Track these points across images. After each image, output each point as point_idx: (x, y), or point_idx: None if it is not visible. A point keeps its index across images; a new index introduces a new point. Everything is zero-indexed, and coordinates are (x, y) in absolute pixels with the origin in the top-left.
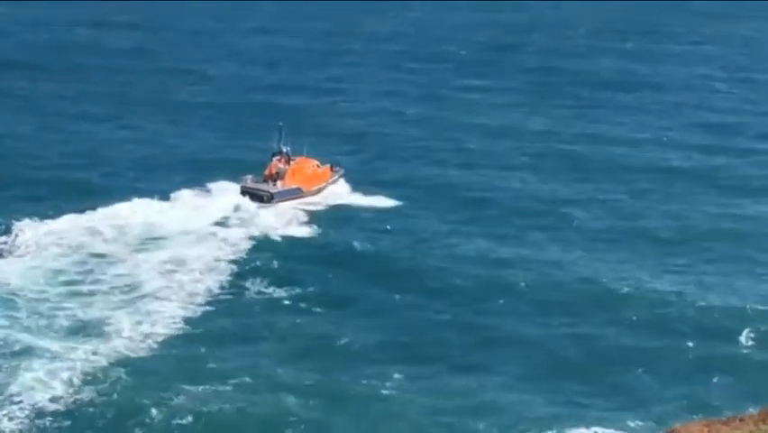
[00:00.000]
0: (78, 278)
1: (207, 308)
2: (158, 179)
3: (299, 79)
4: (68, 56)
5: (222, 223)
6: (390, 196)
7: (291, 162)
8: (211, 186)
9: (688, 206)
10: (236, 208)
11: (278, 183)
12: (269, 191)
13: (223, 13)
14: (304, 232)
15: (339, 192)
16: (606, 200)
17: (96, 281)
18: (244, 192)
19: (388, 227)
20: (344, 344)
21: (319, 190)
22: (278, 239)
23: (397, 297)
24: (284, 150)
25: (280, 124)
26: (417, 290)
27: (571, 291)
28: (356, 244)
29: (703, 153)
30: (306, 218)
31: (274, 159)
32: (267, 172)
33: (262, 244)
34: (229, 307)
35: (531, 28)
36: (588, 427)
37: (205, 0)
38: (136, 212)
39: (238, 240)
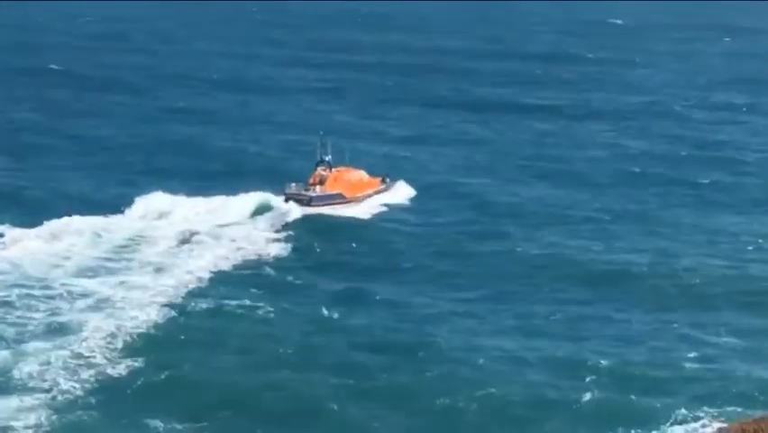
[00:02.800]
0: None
1: (173, 314)
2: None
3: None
4: None
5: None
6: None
7: (333, 170)
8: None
9: None
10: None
11: (318, 188)
12: (308, 195)
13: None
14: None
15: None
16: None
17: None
18: (288, 198)
19: (354, 245)
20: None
21: (365, 198)
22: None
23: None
24: (326, 159)
25: (321, 132)
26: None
27: None
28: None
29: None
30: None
31: (318, 168)
32: (311, 180)
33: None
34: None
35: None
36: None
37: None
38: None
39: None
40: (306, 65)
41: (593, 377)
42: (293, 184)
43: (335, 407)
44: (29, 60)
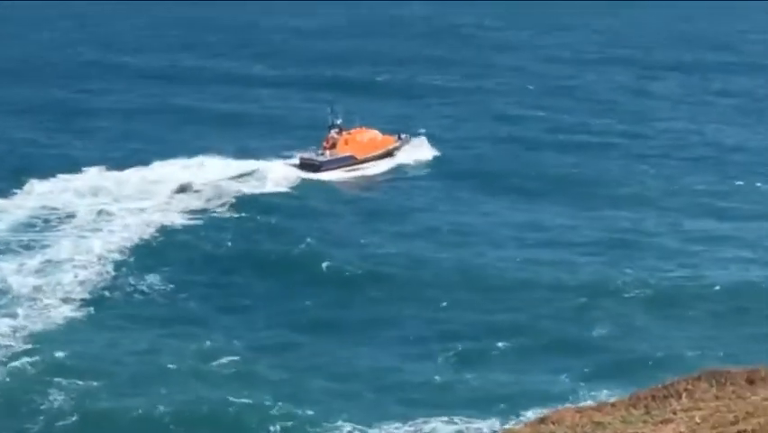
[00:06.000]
0: None
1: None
2: None
3: None
4: None
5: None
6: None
7: (343, 133)
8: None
9: None
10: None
11: (328, 153)
12: (318, 160)
13: None
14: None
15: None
16: None
17: None
18: (301, 164)
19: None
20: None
21: (377, 157)
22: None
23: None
24: (337, 122)
25: (330, 100)
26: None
27: None
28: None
29: None
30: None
31: (332, 131)
32: (324, 144)
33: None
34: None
35: None
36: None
37: None
38: None
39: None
40: None
41: None
42: (307, 149)
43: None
44: None
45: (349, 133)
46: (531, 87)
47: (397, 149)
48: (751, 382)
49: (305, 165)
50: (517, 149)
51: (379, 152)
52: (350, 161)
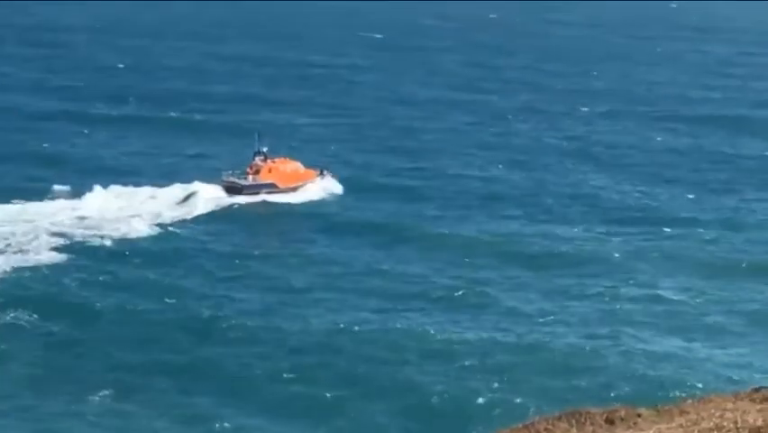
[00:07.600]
0: None
1: None
2: None
3: None
4: None
5: None
6: None
7: (268, 161)
8: None
9: None
10: None
11: (251, 177)
12: (240, 183)
13: None
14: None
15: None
16: None
17: None
18: (224, 186)
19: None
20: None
21: (296, 188)
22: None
23: None
24: (263, 150)
25: (258, 127)
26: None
27: None
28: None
29: None
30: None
31: (256, 158)
32: (248, 169)
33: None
34: None
35: None
36: None
37: None
38: None
39: None
40: None
41: None
42: (230, 172)
43: None
44: None
45: (273, 162)
46: (387, 130)
47: (316, 183)
48: (610, 421)
49: (228, 188)
50: (374, 194)
51: (300, 183)
52: (271, 189)
